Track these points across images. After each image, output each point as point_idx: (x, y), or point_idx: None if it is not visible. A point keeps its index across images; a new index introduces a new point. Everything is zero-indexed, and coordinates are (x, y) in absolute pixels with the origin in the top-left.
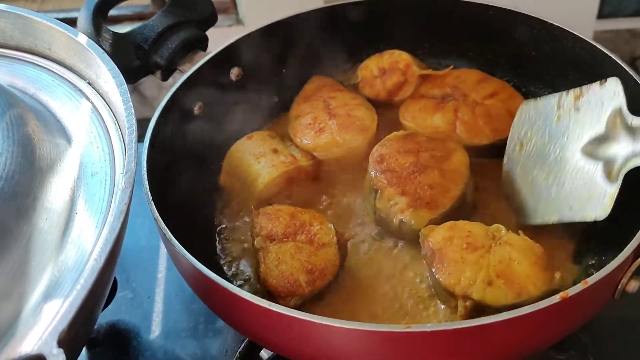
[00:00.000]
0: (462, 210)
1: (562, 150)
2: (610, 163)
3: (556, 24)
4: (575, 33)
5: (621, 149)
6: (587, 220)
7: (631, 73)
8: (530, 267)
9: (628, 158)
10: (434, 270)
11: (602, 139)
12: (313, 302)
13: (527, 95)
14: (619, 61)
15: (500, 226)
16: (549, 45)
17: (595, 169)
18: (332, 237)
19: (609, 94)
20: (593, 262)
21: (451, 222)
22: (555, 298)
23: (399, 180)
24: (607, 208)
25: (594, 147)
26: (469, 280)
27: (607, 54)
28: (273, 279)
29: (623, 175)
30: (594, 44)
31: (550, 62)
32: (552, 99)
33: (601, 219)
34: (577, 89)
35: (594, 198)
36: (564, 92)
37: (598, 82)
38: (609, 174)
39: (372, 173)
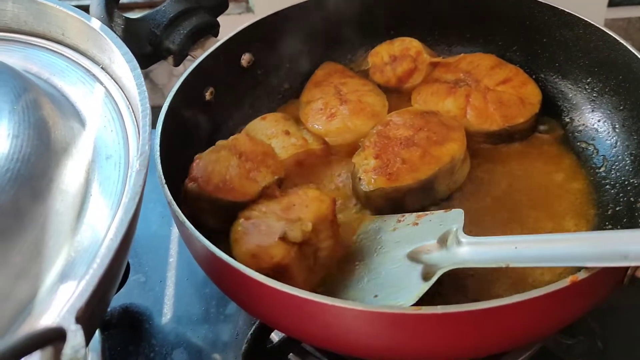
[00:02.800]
0: (426, 196)
1: (387, 252)
2: (430, 267)
3: (567, 11)
4: (586, 19)
5: (444, 257)
6: (391, 304)
7: None
8: None
9: (448, 265)
10: None
11: (428, 249)
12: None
13: (538, 82)
14: (630, 48)
15: None
16: (560, 32)
17: (413, 270)
18: (263, 183)
19: (450, 220)
20: None
21: None
22: (565, 282)
23: (382, 146)
24: (413, 300)
25: (419, 254)
26: None
27: (618, 40)
28: (198, 166)
29: (437, 277)
30: (605, 30)
31: (561, 49)
32: (394, 218)
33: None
34: (422, 213)
35: (402, 291)
36: (407, 214)
37: (443, 210)
38: (425, 275)
39: (373, 130)
